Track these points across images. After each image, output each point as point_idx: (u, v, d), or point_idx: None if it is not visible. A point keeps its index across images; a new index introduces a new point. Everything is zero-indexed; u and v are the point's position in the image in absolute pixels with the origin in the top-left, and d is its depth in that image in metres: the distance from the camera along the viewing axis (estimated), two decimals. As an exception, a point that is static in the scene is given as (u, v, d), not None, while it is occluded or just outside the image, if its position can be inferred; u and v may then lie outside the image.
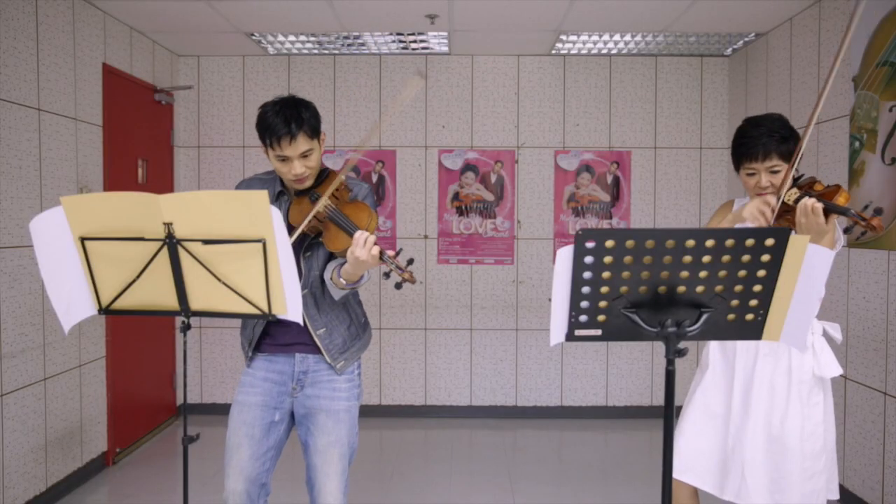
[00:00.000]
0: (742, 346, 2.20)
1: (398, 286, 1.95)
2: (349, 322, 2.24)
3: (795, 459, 2.09)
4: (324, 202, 2.04)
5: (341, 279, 2.05)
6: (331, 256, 2.17)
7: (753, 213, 2.07)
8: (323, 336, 2.17)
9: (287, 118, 2.03)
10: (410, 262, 1.97)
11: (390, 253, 1.95)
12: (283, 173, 2.12)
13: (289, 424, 2.25)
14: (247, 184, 2.26)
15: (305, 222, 2.02)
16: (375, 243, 1.92)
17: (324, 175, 2.20)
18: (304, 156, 2.08)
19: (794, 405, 2.10)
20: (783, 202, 2.07)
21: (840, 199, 1.93)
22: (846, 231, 1.89)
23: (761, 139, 2.09)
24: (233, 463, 2.15)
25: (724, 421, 2.22)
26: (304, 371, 2.19)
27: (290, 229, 2.13)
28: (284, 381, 2.20)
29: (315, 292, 2.17)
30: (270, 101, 2.11)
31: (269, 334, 2.21)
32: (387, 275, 1.98)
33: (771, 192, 2.11)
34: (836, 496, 2.15)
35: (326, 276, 2.12)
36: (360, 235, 1.92)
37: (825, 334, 2.19)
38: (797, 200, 2.01)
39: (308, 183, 2.13)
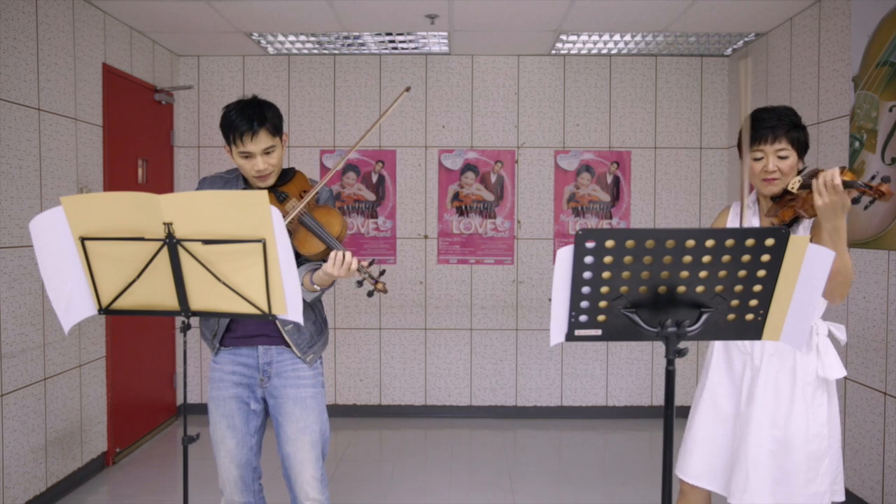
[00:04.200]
0: (746, 347, 2.19)
1: (370, 294, 2.04)
2: (314, 317, 2.31)
3: (799, 461, 2.07)
4: (297, 206, 2.11)
5: (314, 285, 2.12)
6: (297, 258, 2.20)
7: None
8: (291, 332, 2.23)
9: (250, 116, 2.12)
10: (382, 272, 2.08)
11: (364, 263, 2.03)
12: (246, 171, 2.18)
13: (265, 410, 2.32)
14: (209, 181, 2.30)
15: (286, 220, 2.04)
16: (353, 255, 2.02)
17: (289, 175, 2.27)
18: (267, 152, 2.15)
19: (799, 406, 2.09)
20: (787, 191, 2.06)
21: (846, 176, 1.92)
22: (854, 201, 1.87)
23: (771, 122, 2.10)
24: (221, 453, 2.23)
25: (733, 423, 2.21)
26: (268, 362, 2.25)
27: None
28: (251, 373, 2.26)
29: None
30: (234, 102, 2.19)
31: (229, 329, 2.26)
32: (360, 283, 2.06)
33: (777, 177, 2.10)
34: (841, 498, 2.12)
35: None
36: (335, 255, 2.00)
37: (830, 335, 2.18)
38: (802, 187, 2.00)
39: (270, 181, 2.20)
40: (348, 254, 2.01)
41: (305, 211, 2.13)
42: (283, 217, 2.04)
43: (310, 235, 2.10)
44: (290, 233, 2.12)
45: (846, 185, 1.84)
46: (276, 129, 2.17)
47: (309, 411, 2.24)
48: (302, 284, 2.12)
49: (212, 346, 2.29)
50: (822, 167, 2.18)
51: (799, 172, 2.12)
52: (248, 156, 2.15)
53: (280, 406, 2.24)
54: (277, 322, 2.20)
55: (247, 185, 2.26)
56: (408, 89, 2.28)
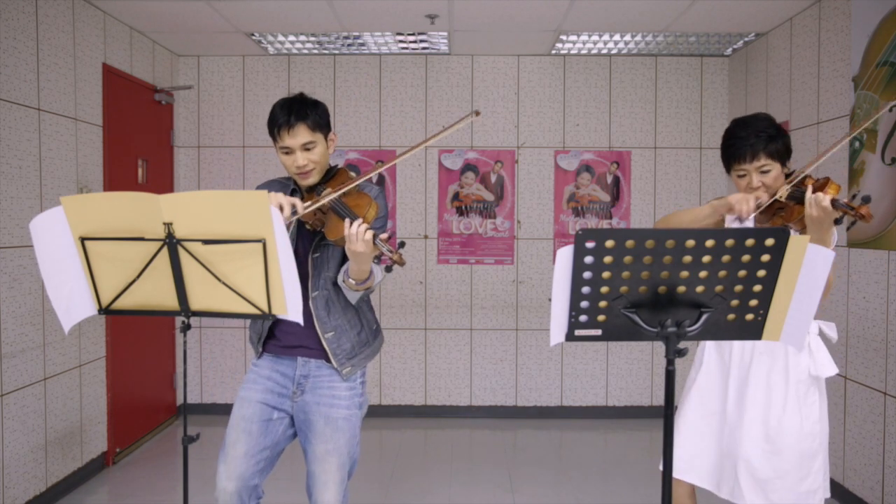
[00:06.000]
0: (738, 345, 2.20)
1: (388, 269, 1.95)
2: (360, 328, 2.23)
3: (792, 459, 2.09)
4: (329, 196, 2.04)
5: (350, 279, 2.05)
6: (343, 261, 2.16)
7: (739, 199, 2.05)
8: (331, 340, 2.15)
9: (290, 110, 2.10)
10: (402, 245, 1.98)
11: (383, 236, 1.93)
12: (287, 166, 2.15)
13: (288, 429, 2.23)
14: (266, 186, 2.28)
15: (308, 209, 2.00)
16: (368, 229, 1.90)
17: (332, 172, 2.21)
18: (307, 148, 2.11)
19: (792, 405, 2.10)
20: (775, 199, 2.08)
21: (830, 191, 1.94)
22: (837, 222, 1.92)
23: (749, 140, 2.09)
24: (228, 459, 2.13)
25: (720, 419, 2.22)
26: (304, 375, 2.18)
27: (301, 224, 2.15)
28: (286, 383, 2.19)
29: (326, 295, 2.16)
30: (281, 98, 2.17)
31: (274, 335, 2.21)
32: (377, 258, 1.97)
33: (763, 191, 2.11)
34: (828, 494, 2.16)
35: (339, 280, 2.12)
36: (351, 230, 1.90)
37: (821, 333, 2.19)
38: (790, 197, 2.03)
39: (312, 179, 2.15)
40: (362, 225, 1.89)
41: (338, 199, 2.05)
42: (312, 203, 2.01)
43: (339, 221, 2.01)
44: (322, 223, 2.09)
45: (833, 204, 1.89)
46: (318, 125, 2.12)
47: (340, 433, 2.15)
48: (343, 283, 2.09)
49: (256, 350, 2.25)
50: (821, 171, 2.19)
51: (787, 176, 2.13)
52: (288, 151, 2.11)
53: (311, 423, 2.16)
54: (318, 329, 2.14)
55: (297, 186, 2.21)
56: (477, 113, 2.13)
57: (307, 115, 2.10)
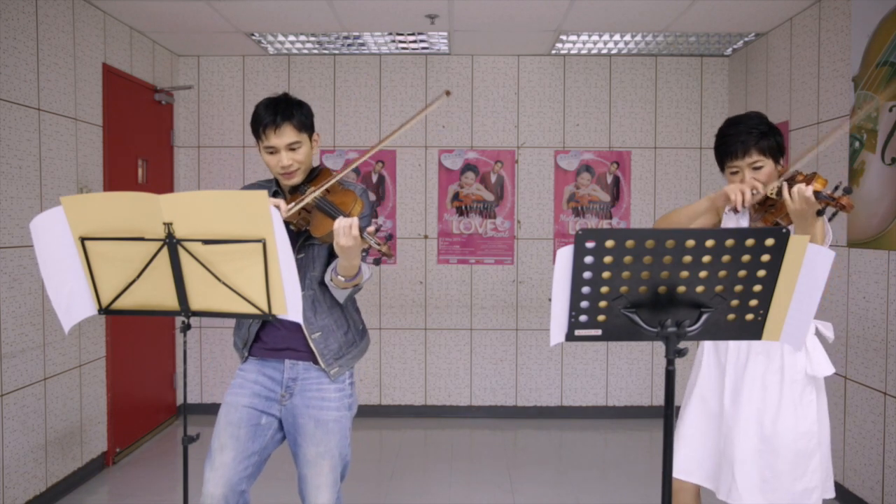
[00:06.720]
0: (734, 345, 2.20)
1: (377, 262, 1.96)
2: (347, 328, 2.21)
3: (787, 459, 2.08)
4: (312, 193, 2.04)
5: (339, 276, 2.04)
6: (329, 260, 2.16)
7: (734, 189, 2.07)
8: (318, 340, 2.14)
9: (275, 110, 2.09)
10: (389, 238, 1.99)
11: (370, 229, 1.93)
12: (272, 166, 2.14)
13: (276, 433, 2.21)
14: (249, 188, 2.27)
15: (293, 209, 2.00)
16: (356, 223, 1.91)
17: (315, 172, 2.21)
18: (292, 148, 2.10)
19: (787, 405, 2.10)
20: (765, 195, 2.09)
21: (816, 184, 1.95)
22: (819, 213, 1.93)
23: (740, 136, 2.12)
24: (215, 465, 2.12)
25: (720, 420, 2.22)
26: (293, 378, 2.16)
27: (284, 225, 2.14)
28: (274, 387, 2.17)
29: (312, 295, 2.15)
30: (264, 98, 2.16)
31: (260, 339, 2.19)
32: (365, 251, 1.98)
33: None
34: (832, 495, 2.14)
35: (326, 278, 2.11)
36: (338, 224, 1.90)
37: (818, 333, 2.19)
38: (779, 193, 2.04)
39: (297, 179, 2.14)
40: (351, 218, 1.90)
41: (322, 197, 2.05)
42: (296, 203, 2.01)
43: (324, 217, 2.02)
44: (307, 222, 2.08)
45: (815, 195, 1.90)
46: (303, 126, 2.12)
47: (331, 435, 2.14)
48: (331, 281, 2.08)
49: (241, 355, 2.23)
50: (821, 171, 2.20)
51: (780, 175, 2.14)
52: (272, 151, 2.10)
53: (301, 427, 2.14)
54: (305, 330, 2.12)
55: (280, 187, 2.21)
56: (448, 93, 2.20)
57: (293, 115, 2.09)
